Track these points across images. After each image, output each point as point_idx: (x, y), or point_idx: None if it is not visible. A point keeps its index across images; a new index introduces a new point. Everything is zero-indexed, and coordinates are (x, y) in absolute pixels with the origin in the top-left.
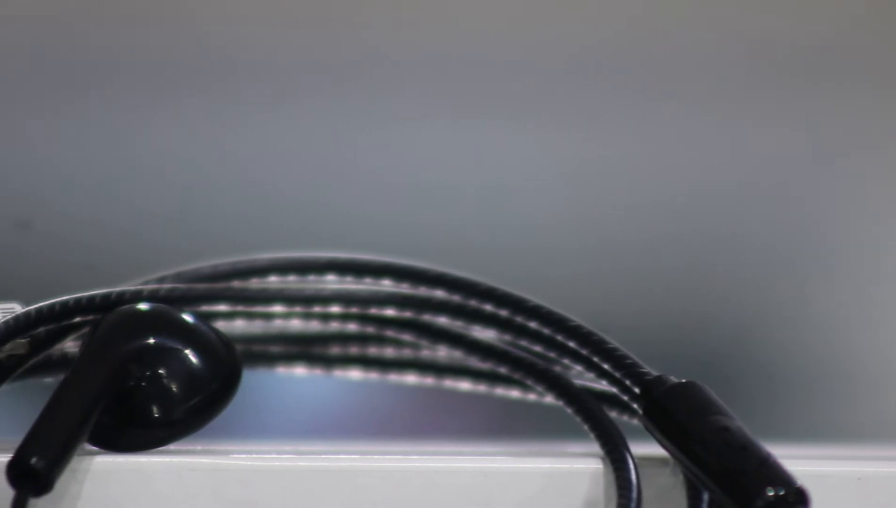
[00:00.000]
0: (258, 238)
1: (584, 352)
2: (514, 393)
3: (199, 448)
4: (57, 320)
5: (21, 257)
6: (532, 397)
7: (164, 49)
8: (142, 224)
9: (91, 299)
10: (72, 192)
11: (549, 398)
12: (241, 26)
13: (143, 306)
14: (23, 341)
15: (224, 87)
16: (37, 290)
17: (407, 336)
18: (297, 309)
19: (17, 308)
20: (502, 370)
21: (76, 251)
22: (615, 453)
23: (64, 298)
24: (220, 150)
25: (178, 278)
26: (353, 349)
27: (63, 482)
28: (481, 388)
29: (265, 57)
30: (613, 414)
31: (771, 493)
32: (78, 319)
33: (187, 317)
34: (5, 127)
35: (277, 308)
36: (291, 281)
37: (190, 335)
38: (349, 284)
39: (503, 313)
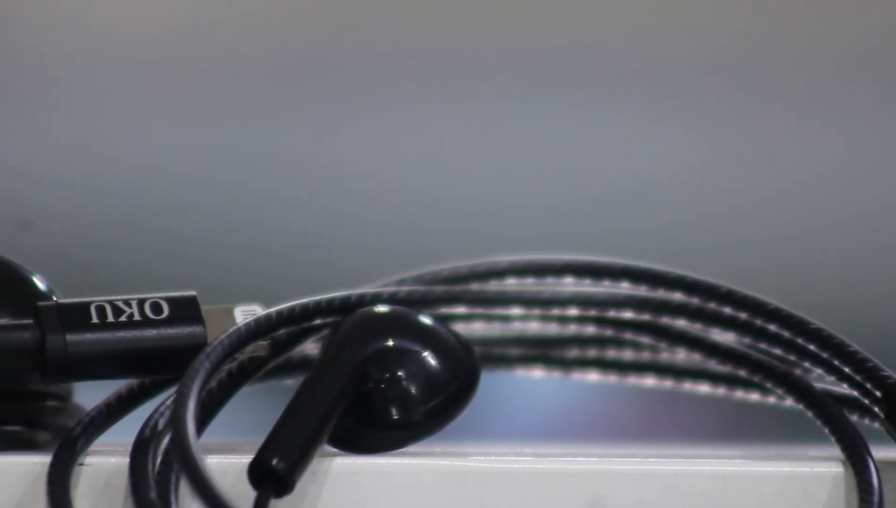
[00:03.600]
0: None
1: (825, 355)
2: (754, 397)
3: (437, 449)
4: (297, 322)
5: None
6: (771, 400)
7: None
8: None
9: (331, 301)
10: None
11: (789, 402)
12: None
13: (382, 308)
14: (264, 342)
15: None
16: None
17: (645, 339)
18: (535, 311)
19: (258, 310)
20: (741, 373)
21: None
22: (856, 457)
23: (304, 300)
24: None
25: (418, 280)
26: (591, 352)
27: (303, 483)
28: (720, 391)
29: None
30: (854, 418)
31: None
32: (318, 321)
33: (426, 319)
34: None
35: (515, 311)
36: (529, 283)
37: (429, 337)
38: (587, 286)
39: (742, 315)
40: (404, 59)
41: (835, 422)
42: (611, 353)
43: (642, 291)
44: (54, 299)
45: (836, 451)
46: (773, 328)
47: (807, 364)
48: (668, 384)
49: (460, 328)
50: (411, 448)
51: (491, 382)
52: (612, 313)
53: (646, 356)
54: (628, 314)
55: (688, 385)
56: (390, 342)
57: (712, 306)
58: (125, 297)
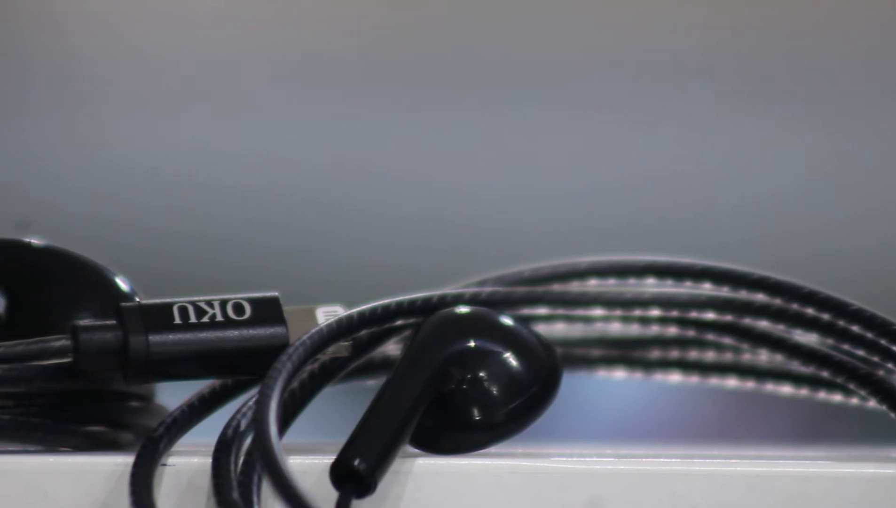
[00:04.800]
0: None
1: None
2: (837, 398)
3: (519, 450)
4: (379, 323)
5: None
6: (855, 401)
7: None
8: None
9: (412, 302)
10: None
11: (873, 403)
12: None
13: (463, 309)
14: (346, 343)
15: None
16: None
17: (727, 340)
18: (617, 312)
19: (340, 311)
20: (824, 374)
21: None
22: None
23: (385, 301)
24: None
25: (499, 281)
26: (673, 353)
27: (385, 483)
28: (803, 392)
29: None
30: None
31: None
32: (400, 322)
33: (507, 320)
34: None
35: (597, 312)
36: (611, 284)
37: (510, 338)
38: (668, 287)
39: (825, 316)
40: (416, 66)
41: None
42: (693, 354)
43: (724, 292)
44: (137, 299)
45: None
46: (855, 328)
47: (890, 365)
48: (750, 385)
49: (542, 328)
50: (493, 449)
51: (573, 383)
52: (693, 314)
53: (728, 356)
54: (710, 315)
55: (770, 386)
56: (472, 343)
57: (795, 306)
58: (207, 298)
